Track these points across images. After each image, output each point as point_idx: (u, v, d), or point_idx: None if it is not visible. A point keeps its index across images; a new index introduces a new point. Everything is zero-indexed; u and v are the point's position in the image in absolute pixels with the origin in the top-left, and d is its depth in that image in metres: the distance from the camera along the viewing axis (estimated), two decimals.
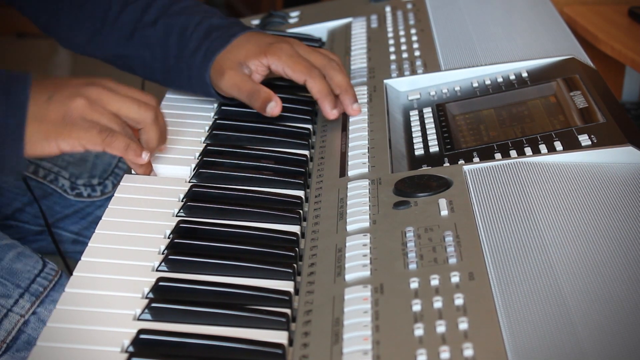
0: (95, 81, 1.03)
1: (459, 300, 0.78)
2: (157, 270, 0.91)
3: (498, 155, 1.04)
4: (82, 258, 0.92)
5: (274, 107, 1.16)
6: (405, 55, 1.35)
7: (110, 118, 1.00)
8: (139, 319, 0.84)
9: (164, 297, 0.86)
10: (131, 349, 0.80)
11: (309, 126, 1.22)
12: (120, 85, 1.04)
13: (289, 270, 0.90)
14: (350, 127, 1.16)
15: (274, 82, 1.34)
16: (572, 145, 1.02)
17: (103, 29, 1.27)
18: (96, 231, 0.96)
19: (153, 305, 0.84)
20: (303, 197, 1.05)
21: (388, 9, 1.54)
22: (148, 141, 1.05)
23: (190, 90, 1.26)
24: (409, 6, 1.53)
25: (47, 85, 1.01)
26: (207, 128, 1.20)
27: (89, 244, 0.94)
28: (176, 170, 1.10)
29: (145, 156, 1.02)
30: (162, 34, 1.23)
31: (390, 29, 1.46)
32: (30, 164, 1.40)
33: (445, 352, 0.73)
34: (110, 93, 1.02)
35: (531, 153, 1.03)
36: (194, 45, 1.21)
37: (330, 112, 1.17)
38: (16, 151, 0.98)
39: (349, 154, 1.10)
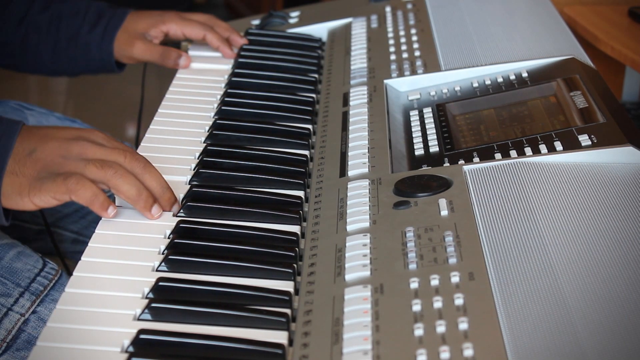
0: (83, 135, 1.00)
1: (458, 300, 0.78)
2: (157, 270, 0.91)
3: (498, 155, 1.04)
4: (82, 258, 0.92)
5: (185, 60, 1.40)
6: (405, 55, 1.35)
7: (86, 165, 0.96)
8: (139, 319, 0.84)
9: (164, 297, 0.86)
10: (131, 349, 0.80)
11: (309, 126, 1.22)
12: (111, 139, 1.01)
13: (289, 270, 0.90)
14: (350, 127, 1.17)
15: (274, 82, 1.34)
16: (572, 145, 1.02)
17: None
18: (96, 231, 0.96)
19: (153, 305, 0.84)
20: (303, 197, 1.05)
21: (388, 9, 1.54)
22: (150, 188, 0.99)
23: (82, 67, 1.46)
24: (409, 6, 1.53)
25: (32, 138, 0.99)
26: (207, 128, 1.20)
27: (89, 244, 0.94)
28: (176, 170, 1.10)
29: (111, 211, 0.97)
30: (54, 18, 1.43)
31: (390, 29, 1.46)
32: None
33: (445, 352, 0.73)
34: (95, 147, 0.98)
35: (531, 153, 1.03)
36: (90, 25, 1.42)
37: (230, 54, 1.43)
38: None
39: (349, 154, 1.10)
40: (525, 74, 1.23)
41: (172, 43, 1.46)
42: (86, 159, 0.97)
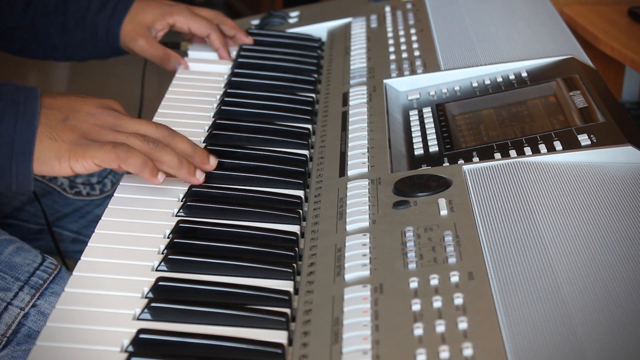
0: (110, 104, 1.03)
1: (458, 300, 0.78)
2: (156, 270, 0.91)
3: (498, 155, 1.04)
4: (82, 258, 0.92)
5: (183, 68, 1.40)
6: (405, 55, 1.35)
7: (128, 137, 0.99)
8: (138, 319, 0.84)
9: (163, 297, 0.86)
10: (131, 348, 0.80)
11: (309, 126, 1.22)
12: (124, 110, 1.05)
13: (289, 270, 0.90)
14: (350, 127, 1.17)
15: (273, 82, 1.34)
16: (571, 145, 1.02)
17: None
18: (96, 231, 0.96)
19: (153, 305, 0.84)
20: (303, 197, 1.05)
21: (388, 9, 1.54)
22: (183, 151, 1.03)
23: (91, 50, 1.44)
24: (409, 6, 1.53)
25: (61, 105, 1.00)
26: (207, 128, 1.20)
27: (89, 244, 0.94)
28: None
29: (161, 177, 1.00)
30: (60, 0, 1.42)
31: (390, 29, 1.46)
32: None
33: (444, 352, 0.73)
34: (125, 118, 1.02)
35: (531, 153, 1.03)
36: (97, 7, 1.40)
37: (229, 57, 1.43)
38: (24, 167, 0.97)
39: (349, 153, 1.10)
40: (524, 74, 1.23)
41: (172, 45, 1.46)
42: (124, 131, 1.00)
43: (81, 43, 1.45)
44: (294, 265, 0.91)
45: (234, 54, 1.46)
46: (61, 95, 1.03)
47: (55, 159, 0.97)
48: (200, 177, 1.03)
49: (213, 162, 1.06)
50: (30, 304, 1.09)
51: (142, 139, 0.99)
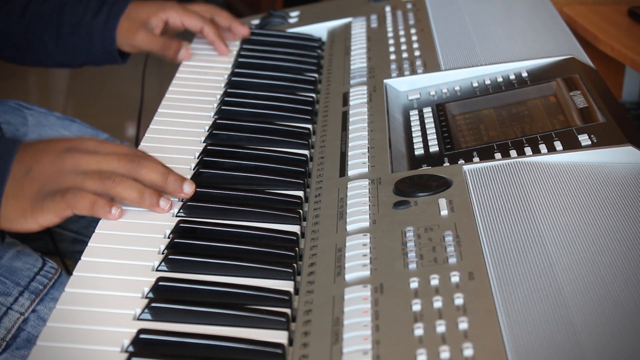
0: (75, 145, 0.98)
1: (458, 300, 0.78)
2: (157, 270, 0.91)
3: (498, 155, 1.04)
4: (82, 258, 0.92)
5: (185, 52, 1.42)
6: (405, 55, 1.35)
7: (84, 178, 0.96)
8: (138, 319, 0.84)
9: (163, 297, 0.86)
10: (131, 348, 0.80)
11: (309, 126, 1.22)
12: (103, 143, 1.00)
13: (289, 270, 0.90)
14: (350, 127, 1.17)
15: (274, 81, 1.34)
16: (572, 145, 1.02)
17: None
18: (96, 231, 0.96)
19: (153, 305, 0.84)
20: (303, 197, 1.05)
21: (388, 9, 1.54)
22: (152, 182, 0.99)
23: (85, 56, 1.45)
24: (409, 6, 1.53)
25: (27, 157, 0.97)
26: (207, 128, 1.20)
27: (89, 244, 0.94)
28: (176, 170, 1.10)
29: (115, 212, 0.97)
30: (56, 6, 1.43)
31: (390, 28, 1.46)
32: None
33: (445, 352, 0.73)
34: (87, 157, 0.97)
35: (531, 153, 1.03)
36: (93, 11, 1.42)
37: (225, 51, 1.45)
38: None
39: (349, 153, 1.10)
40: (525, 74, 1.23)
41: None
42: (82, 171, 0.96)
43: (75, 49, 1.45)
44: (294, 265, 0.91)
45: (234, 52, 1.46)
46: (34, 144, 0.99)
47: (21, 217, 0.95)
48: (165, 206, 0.99)
49: (188, 189, 1.01)
50: (30, 309, 1.09)
51: (99, 178, 0.95)
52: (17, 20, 1.43)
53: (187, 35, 1.48)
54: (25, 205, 0.95)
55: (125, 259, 0.92)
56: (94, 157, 0.97)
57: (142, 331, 0.81)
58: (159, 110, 1.26)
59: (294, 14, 1.62)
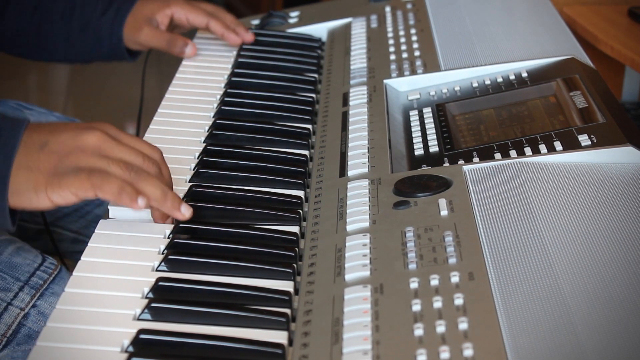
0: (95, 126, 0.94)
1: (458, 300, 0.78)
2: (156, 270, 0.91)
3: (498, 155, 1.04)
4: (82, 258, 0.92)
5: (191, 49, 1.44)
6: (405, 55, 1.35)
7: (109, 163, 0.91)
8: (138, 319, 0.84)
9: (163, 297, 0.86)
10: (131, 348, 0.80)
11: (309, 126, 1.22)
12: (122, 132, 0.97)
13: (289, 270, 0.90)
14: (350, 127, 1.17)
15: (273, 82, 1.34)
16: (572, 145, 1.02)
17: (8, 5, 1.44)
18: (96, 231, 0.96)
19: (153, 305, 0.84)
20: (303, 197, 1.05)
21: (388, 9, 1.54)
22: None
23: (94, 53, 1.46)
24: (409, 6, 1.53)
25: (42, 131, 0.92)
26: (207, 128, 1.20)
27: (89, 244, 0.94)
28: (176, 170, 1.10)
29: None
30: (68, 5, 1.45)
31: (390, 29, 1.46)
32: None
33: (445, 352, 0.73)
34: (111, 141, 0.93)
35: (531, 153, 1.03)
36: (102, 11, 1.44)
37: (236, 40, 1.46)
38: None
39: (349, 154, 1.10)
40: (525, 74, 1.23)
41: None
42: (106, 156, 0.92)
43: (84, 47, 1.47)
44: (294, 265, 0.91)
45: (234, 52, 1.46)
46: (49, 122, 0.97)
47: (32, 190, 0.90)
48: (185, 212, 0.95)
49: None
50: (30, 304, 1.09)
51: (125, 167, 0.92)
52: (28, 19, 1.45)
53: (188, 35, 1.49)
54: (40, 179, 0.90)
55: (125, 259, 0.92)
56: (119, 146, 0.94)
57: (142, 331, 0.81)
58: (159, 110, 1.26)
59: (293, 14, 1.62)
